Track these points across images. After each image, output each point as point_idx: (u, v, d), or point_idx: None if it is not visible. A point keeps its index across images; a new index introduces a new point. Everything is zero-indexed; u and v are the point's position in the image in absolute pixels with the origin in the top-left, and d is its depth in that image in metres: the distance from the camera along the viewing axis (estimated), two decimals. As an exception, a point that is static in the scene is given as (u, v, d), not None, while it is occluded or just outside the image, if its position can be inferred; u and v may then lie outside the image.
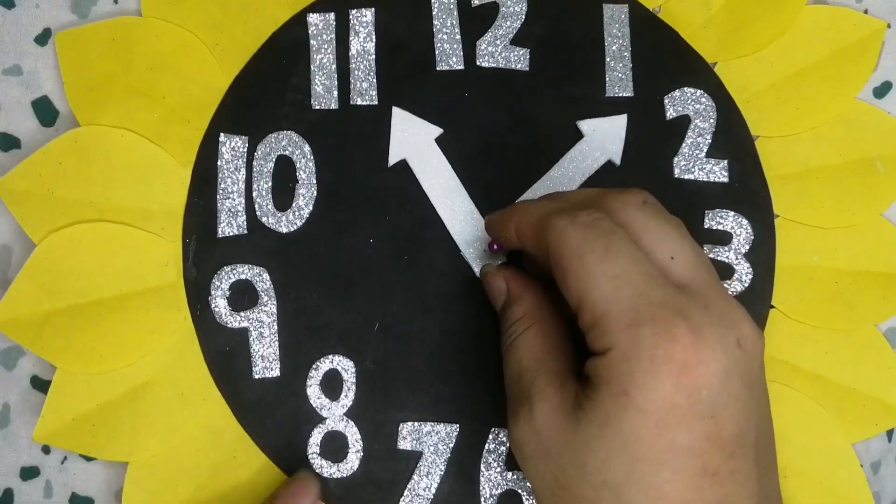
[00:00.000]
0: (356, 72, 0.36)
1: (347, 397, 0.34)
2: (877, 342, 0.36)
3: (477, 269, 0.35)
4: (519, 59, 0.36)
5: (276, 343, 0.34)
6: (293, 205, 0.35)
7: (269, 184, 0.35)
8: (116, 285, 0.33)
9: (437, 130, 0.36)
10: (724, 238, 0.36)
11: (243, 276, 0.34)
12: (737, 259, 0.36)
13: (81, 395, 0.33)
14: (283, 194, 0.35)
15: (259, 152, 0.35)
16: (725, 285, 0.36)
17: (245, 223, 0.34)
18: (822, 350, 0.36)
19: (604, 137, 0.36)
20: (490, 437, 0.34)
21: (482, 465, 0.34)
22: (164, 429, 0.33)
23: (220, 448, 0.33)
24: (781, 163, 0.37)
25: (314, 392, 0.34)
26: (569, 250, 0.27)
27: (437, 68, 0.36)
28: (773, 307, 0.36)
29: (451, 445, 0.34)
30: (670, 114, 0.36)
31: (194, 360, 0.34)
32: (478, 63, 0.36)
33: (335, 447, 0.34)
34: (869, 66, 0.37)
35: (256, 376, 0.34)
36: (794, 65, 0.37)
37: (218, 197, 0.34)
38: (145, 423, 0.33)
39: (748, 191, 0.36)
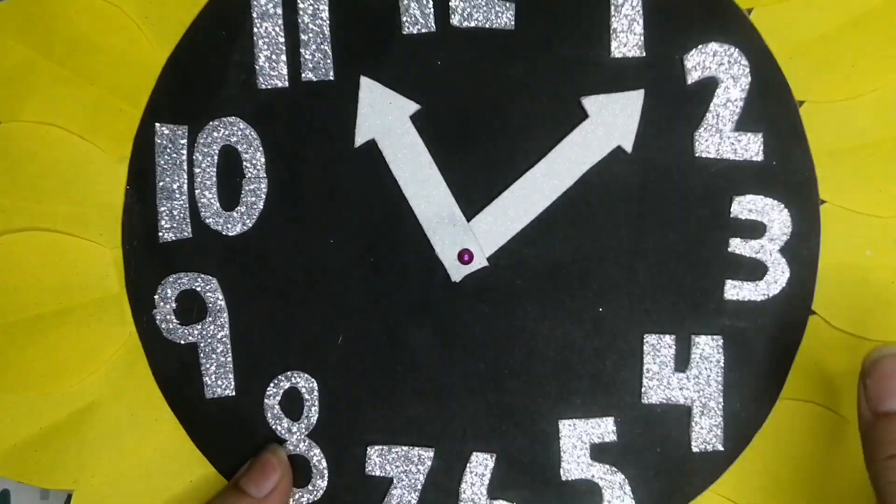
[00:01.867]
0: (307, 41, 0.31)
1: (310, 417, 0.31)
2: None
3: (454, 274, 0.31)
4: (502, 16, 0.30)
5: (230, 359, 0.31)
6: (241, 203, 0.31)
7: (214, 179, 0.31)
8: (54, 299, 0.31)
9: (413, 106, 0.31)
10: (755, 229, 0.30)
11: (190, 286, 0.31)
12: (771, 255, 0.30)
13: (22, 420, 0.31)
14: (230, 191, 0.31)
15: (200, 143, 0.31)
16: (756, 286, 0.30)
17: (189, 226, 0.31)
18: (869, 365, 0.31)
19: (613, 118, 0.30)
20: (472, 461, 0.31)
21: (462, 493, 0.31)
22: (113, 453, 0.31)
23: (174, 472, 0.31)
24: (832, 136, 0.30)
25: (273, 412, 0.31)
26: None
27: (404, 32, 0.30)
28: (813, 312, 0.31)
29: (426, 471, 0.31)
30: (692, 77, 0.30)
31: (143, 377, 0.31)
32: (452, 23, 0.30)
33: (298, 472, 0.31)
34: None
35: (210, 395, 0.31)
36: (848, 11, 0.30)
37: (157, 197, 0.31)
38: (92, 447, 0.31)
39: (788, 171, 0.30)
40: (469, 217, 0.31)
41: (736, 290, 0.30)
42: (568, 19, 0.30)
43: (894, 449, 0.24)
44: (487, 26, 0.30)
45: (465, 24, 0.30)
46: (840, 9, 0.30)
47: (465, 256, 0.29)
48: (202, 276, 0.31)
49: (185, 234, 0.31)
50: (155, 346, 0.31)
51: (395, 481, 0.31)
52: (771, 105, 0.30)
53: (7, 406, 0.31)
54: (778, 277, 0.30)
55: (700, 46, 0.30)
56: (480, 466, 0.31)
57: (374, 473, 0.31)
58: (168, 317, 0.31)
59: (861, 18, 0.30)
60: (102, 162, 0.31)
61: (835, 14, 0.30)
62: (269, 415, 0.31)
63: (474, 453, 0.31)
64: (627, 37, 0.30)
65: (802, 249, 0.30)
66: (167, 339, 0.31)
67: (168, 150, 0.31)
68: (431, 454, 0.31)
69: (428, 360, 0.31)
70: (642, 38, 0.30)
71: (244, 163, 0.31)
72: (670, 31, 0.30)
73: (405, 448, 0.31)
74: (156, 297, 0.31)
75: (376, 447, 0.31)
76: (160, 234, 0.31)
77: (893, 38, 0.30)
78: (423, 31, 0.30)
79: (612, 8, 0.30)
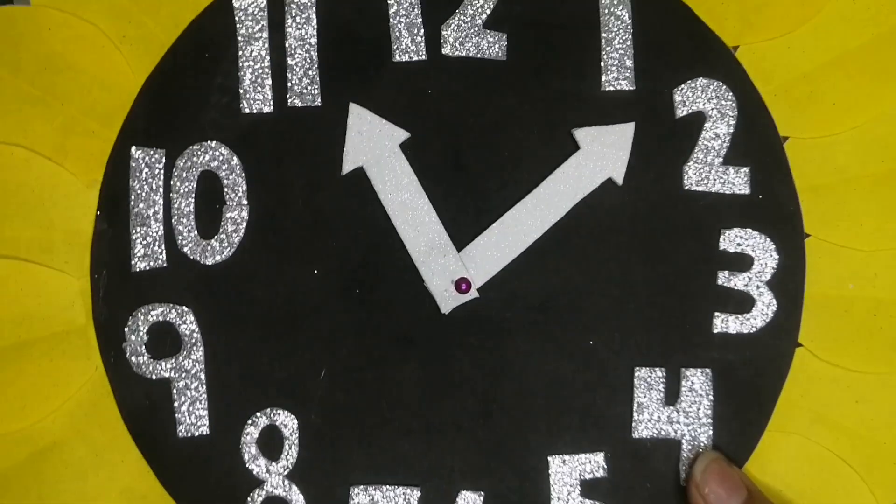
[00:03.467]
0: (294, 66, 0.30)
1: (289, 457, 0.30)
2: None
3: (443, 305, 0.31)
4: (494, 46, 0.31)
5: (205, 395, 0.30)
6: (221, 231, 0.30)
7: (192, 206, 0.30)
8: (14, 332, 0.29)
9: (402, 134, 0.31)
10: (742, 263, 0.31)
11: (163, 318, 0.30)
12: (758, 288, 0.31)
13: (-23, 462, 0.30)
14: (209, 218, 0.30)
15: (178, 168, 0.30)
16: (743, 319, 0.31)
17: (164, 254, 0.30)
18: (852, 398, 0.31)
19: (604, 151, 0.31)
20: (459, 501, 0.30)
21: (449, 534, 0.31)
22: (76, 496, 0.30)
23: (142, 518, 0.30)
24: (814, 171, 0.31)
25: (250, 451, 0.30)
26: None
27: (395, 59, 0.30)
28: (799, 345, 0.31)
29: (412, 512, 0.31)
30: (681, 111, 0.31)
31: (109, 415, 0.30)
32: (444, 52, 0.31)
33: (276, 515, 0.31)
34: (916, 55, 0.32)
35: (182, 434, 0.30)
36: (829, 51, 0.31)
37: (131, 223, 0.30)
38: (54, 489, 0.29)
39: (774, 205, 0.31)
40: (459, 247, 0.31)
41: (724, 323, 0.31)
42: (559, 52, 0.31)
43: None
44: (479, 56, 0.31)
45: (457, 53, 0.31)
46: (820, 50, 0.31)
47: (462, 286, 0.29)
48: (177, 307, 0.30)
49: (160, 262, 0.30)
50: (123, 381, 0.30)
51: (379, 523, 0.31)
52: (757, 140, 0.31)
53: (-39, 447, 0.29)
54: (765, 310, 0.31)
55: (689, 81, 0.31)
56: (468, 506, 0.31)
57: (356, 515, 0.31)
58: (139, 350, 0.30)
59: (839, 59, 0.31)
60: (71, 186, 0.30)
61: (815, 54, 0.31)
62: (245, 454, 0.30)
63: (462, 492, 0.30)
64: (618, 70, 0.31)
65: (789, 282, 0.31)
66: (137, 375, 0.30)
67: (143, 175, 0.30)
68: (418, 494, 0.30)
69: (415, 395, 0.30)
70: (632, 71, 0.31)
71: (225, 189, 0.30)
72: (660, 65, 0.31)
73: (390, 487, 0.30)
74: (126, 329, 0.30)
75: (359, 487, 0.30)
76: (133, 262, 0.30)
77: (870, 79, 0.31)
78: (414, 58, 0.31)
79: (604, 42, 0.31)
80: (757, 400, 0.31)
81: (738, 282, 0.31)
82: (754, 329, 0.31)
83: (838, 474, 0.31)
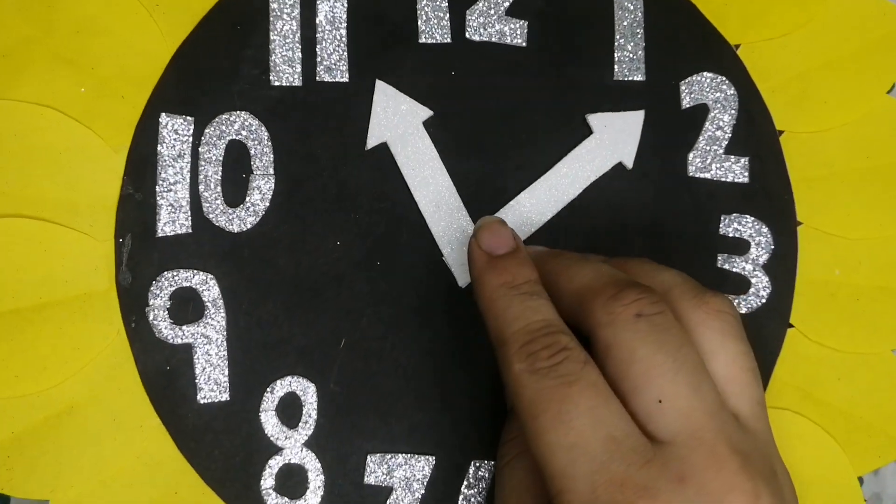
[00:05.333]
0: (324, 42, 0.32)
1: (308, 425, 0.31)
2: (891, 369, 0.34)
3: (460, 279, 0.32)
4: (515, 33, 0.33)
5: (225, 362, 0.31)
6: (247, 199, 0.31)
7: (219, 174, 0.31)
8: (35, 293, 0.29)
9: (426, 112, 0.32)
10: (740, 247, 0.33)
11: (187, 284, 0.31)
12: (754, 270, 0.33)
13: (-7, 424, 0.29)
14: (236, 187, 0.31)
15: (207, 136, 0.31)
16: (740, 300, 0.34)
17: (189, 220, 0.31)
18: (835, 376, 0.34)
19: (616, 136, 0.33)
20: (470, 470, 0.32)
21: (461, 502, 0.32)
22: (92, 461, 0.30)
23: (158, 483, 0.30)
24: (807, 163, 0.34)
25: (269, 419, 0.31)
26: (523, 410, 0.24)
27: (420, 41, 0.32)
28: (791, 326, 0.34)
29: (426, 480, 0.31)
30: (686, 102, 0.33)
31: (129, 380, 0.30)
32: (467, 36, 0.32)
33: (293, 482, 0.31)
34: (899, 60, 0.35)
35: (202, 400, 0.30)
36: (822, 54, 0.34)
37: (157, 189, 0.30)
38: (70, 454, 0.29)
39: (770, 194, 0.34)
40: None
41: (723, 303, 0.33)
42: (576, 41, 0.33)
43: (508, 276, 0.27)
44: (500, 41, 0.33)
45: (479, 38, 0.32)
46: (813, 52, 0.34)
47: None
48: (200, 273, 0.31)
49: (185, 228, 0.31)
50: (144, 346, 0.30)
51: (394, 490, 0.31)
52: (755, 132, 0.34)
53: (-24, 408, 0.29)
54: (760, 292, 0.34)
55: (695, 75, 0.33)
56: (480, 476, 0.32)
57: (372, 482, 0.31)
58: (161, 315, 0.30)
59: (831, 62, 0.34)
60: (99, 149, 0.30)
61: (809, 56, 0.34)
62: (264, 421, 0.31)
63: (475, 461, 0.32)
64: (629, 62, 0.33)
65: (782, 267, 0.34)
66: (158, 340, 0.30)
67: (172, 142, 0.31)
68: (433, 462, 0.32)
69: (431, 366, 0.32)
70: (643, 63, 0.33)
71: (252, 158, 0.31)
72: (668, 59, 0.33)
73: (405, 456, 0.31)
74: (149, 293, 0.30)
75: (376, 455, 0.31)
76: (158, 227, 0.30)
77: (858, 82, 0.34)
78: (439, 41, 0.32)
79: (617, 35, 0.33)
80: (751, 377, 0.34)
81: (735, 265, 0.34)
82: (750, 310, 0.33)
83: (822, 446, 0.34)
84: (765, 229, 0.34)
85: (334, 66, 0.32)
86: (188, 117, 0.31)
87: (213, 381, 0.31)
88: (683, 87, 0.33)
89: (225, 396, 0.31)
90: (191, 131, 0.31)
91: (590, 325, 0.25)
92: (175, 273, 0.31)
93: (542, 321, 0.25)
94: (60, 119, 0.30)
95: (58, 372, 0.30)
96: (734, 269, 0.33)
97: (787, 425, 0.33)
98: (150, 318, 0.30)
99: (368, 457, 0.31)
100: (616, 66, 0.33)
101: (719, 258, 0.33)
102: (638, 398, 0.24)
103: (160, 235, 0.30)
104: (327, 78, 0.32)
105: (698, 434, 0.23)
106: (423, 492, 0.31)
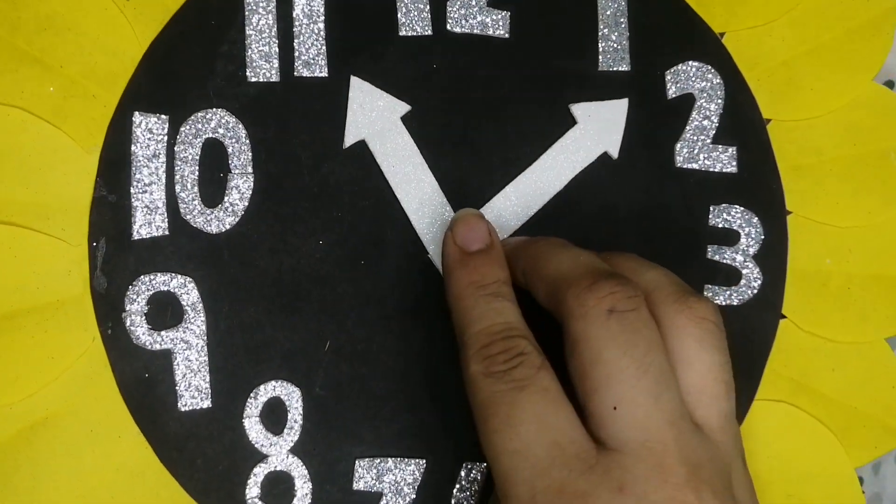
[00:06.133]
0: (302, 37, 0.31)
1: (293, 431, 0.30)
2: (885, 358, 0.34)
3: (447, 277, 0.32)
4: (497, 24, 0.32)
5: (207, 368, 0.30)
6: (225, 199, 0.30)
7: (196, 174, 0.30)
8: (6, 301, 0.28)
9: (403, 107, 0.31)
10: (730, 237, 0.33)
11: (165, 287, 0.30)
12: (745, 261, 0.33)
13: (-36, 438, 0.28)
14: (213, 187, 0.30)
15: (182, 135, 0.30)
16: (732, 291, 0.33)
17: (166, 222, 0.30)
18: (829, 366, 0.34)
19: (600, 125, 0.32)
20: (462, 472, 0.31)
21: (453, 505, 0.31)
22: (69, 475, 0.28)
23: (139, 495, 0.29)
24: (795, 152, 0.34)
25: (253, 425, 0.30)
26: (476, 412, 0.25)
27: (401, 34, 0.31)
28: (783, 316, 0.34)
29: (417, 484, 0.31)
30: (672, 92, 0.33)
31: (106, 389, 0.29)
32: (449, 28, 0.32)
33: (279, 490, 0.30)
34: (884, 47, 0.35)
35: (183, 408, 0.29)
36: (806, 41, 0.34)
37: (132, 190, 0.29)
38: (47, 467, 0.28)
39: (758, 183, 0.33)
40: (462, 220, 0.32)
41: (715, 295, 0.33)
42: (559, 32, 0.32)
43: (477, 276, 0.27)
44: (482, 33, 0.32)
45: (461, 29, 0.32)
46: (798, 39, 0.34)
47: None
48: (178, 276, 0.30)
49: (162, 230, 0.30)
50: (121, 353, 0.29)
51: (384, 495, 0.31)
52: (742, 121, 0.33)
53: (-54, 422, 0.28)
54: (752, 283, 0.33)
55: (680, 64, 0.33)
56: (472, 478, 0.31)
57: (361, 488, 0.30)
58: (139, 321, 0.30)
59: (815, 49, 0.34)
60: (70, 150, 0.29)
61: (794, 43, 0.34)
62: (248, 428, 0.30)
63: (467, 465, 0.31)
64: (614, 52, 0.33)
65: (773, 257, 0.33)
66: (136, 346, 0.29)
67: (146, 142, 0.30)
68: (423, 466, 0.31)
69: (420, 367, 0.31)
70: (628, 53, 0.33)
71: (229, 157, 0.30)
72: (653, 48, 0.33)
73: (395, 460, 0.31)
74: (126, 299, 0.29)
75: (364, 460, 0.30)
76: (133, 229, 0.29)
77: (843, 68, 0.34)
78: (420, 34, 0.32)
79: (601, 24, 0.32)
80: (745, 370, 0.33)
81: (725, 256, 0.33)
82: (742, 301, 0.33)
83: (818, 438, 0.33)
84: (754, 219, 0.33)
85: (312, 60, 0.31)
86: (162, 116, 0.30)
87: (194, 388, 0.30)
88: (669, 77, 0.33)
89: (207, 403, 0.30)
90: (165, 130, 0.30)
91: (562, 313, 0.25)
92: (152, 277, 0.30)
93: (503, 324, 0.26)
94: (29, 120, 0.29)
95: (31, 382, 0.28)
96: (724, 261, 0.33)
97: (783, 417, 0.33)
98: (127, 323, 0.29)
99: (357, 462, 0.30)
100: (601, 57, 0.32)
101: (709, 250, 0.33)
102: (595, 401, 0.24)
103: (136, 238, 0.30)
104: (306, 73, 0.31)
105: (648, 444, 0.23)
106: (413, 496, 0.31)
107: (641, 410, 0.23)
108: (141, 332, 0.29)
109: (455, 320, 0.27)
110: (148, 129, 0.30)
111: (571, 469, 0.23)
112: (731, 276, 0.33)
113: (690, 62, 0.33)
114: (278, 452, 0.30)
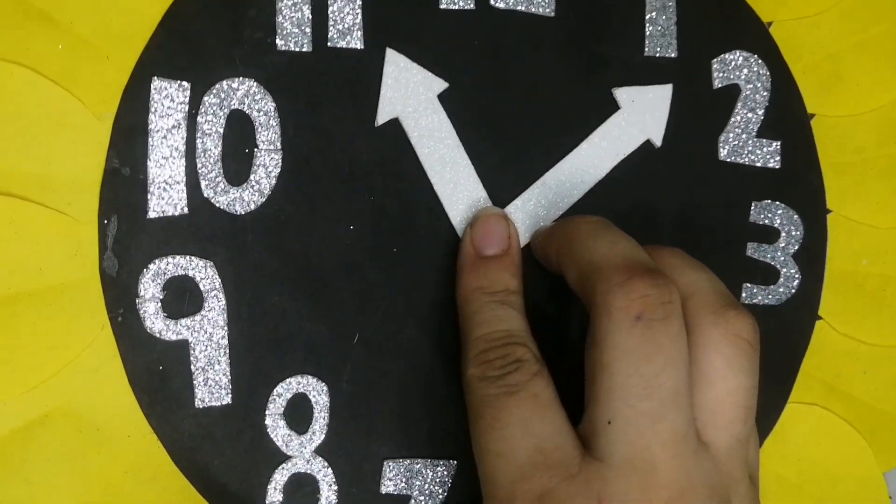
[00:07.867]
0: (337, 4, 0.28)
1: (318, 430, 0.28)
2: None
3: (484, 268, 0.30)
4: (543, 1, 0.31)
5: (226, 360, 0.27)
6: (251, 177, 0.28)
7: (219, 148, 0.27)
8: (4, 283, 0.25)
9: (440, 84, 0.29)
10: (770, 235, 0.32)
11: (182, 272, 0.27)
12: (784, 260, 0.32)
13: (-44, 436, 0.25)
14: (238, 163, 0.28)
15: (206, 105, 0.27)
16: (770, 291, 0.32)
17: (185, 200, 0.27)
18: (860, 369, 0.33)
19: (644, 111, 0.31)
20: (494, 475, 0.30)
21: (484, 510, 0.30)
22: (73, 478, 0.26)
23: (150, 500, 0.27)
24: (836, 149, 0.33)
25: (276, 424, 0.28)
26: (469, 413, 0.25)
27: (442, 6, 0.29)
28: (819, 318, 0.33)
29: (447, 487, 0.29)
30: (718, 82, 0.32)
31: (115, 383, 0.26)
32: (492, 2, 0.30)
33: (303, 493, 0.28)
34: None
35: (200, 405, 0.27)
36: (854, 34, 0.33)
37: (148, 163, 0.27)
38: (45, 470, 0.26)
39: (801, 180, 0.32)
40: (498, 206, 0.30)
41: (752, 294, 0.32)
42: (606, 12, 0.31)
43: (486, 281, 0.27)
44: (526, 10, 0.30)
45: (505, 5, 0.30)
46: (846, 31, 0.33)
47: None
48: (197, 259, 0.27)
49: (180, 209, 0.27)
50: (134, 343, 0.27)
51: (412, 499, 0.29)
52: (787, 115, 0.32)
53: (-65, 418, 0.25)
54: (790, 282, 0.32)
55: (727, 53, 0.32)
56: (504, 481, 0.30)
57: (389, 491, 0.28)
58: (153, 308, 0.27)
59: (863, 42, 0.33)
60: (80, 116, 0.26)
61: (841, 35, 0.33)
62: (270, 427, 0.28)
63: (499, 466, 0.30)
64: (661, 37, 0.31)
65: (812, 256, 0.32)
66: (150, 336, 0.27)
67: (165, 110, 0.27)
68: (454, 467, 0.29)
69: (452, 363, 0.29)
70: (675, 39, 0.31)
71: (256, 132, 0.28)
72: (700, 36, 0.31)
73: (425, 462, 0.29)
74: (139, 283, 0.27)
75: (393, 461, 0.29)
76: (149, 207, 0.27)
77: (890, 63, 0.33)
78: (462, 7, 0.29)
79: (648, 8, 0.31)
80: (779, 372, 0.32)
81: (765, 253, 0.32)
82: (780, 301, 0.32)
83: (848, 441, 0.33)
84: (796, 217, 0.32)
85: (348, 30, 0.28)
86: (184, 83, 0.27)
87: (212, 383, 0.27)
88: (715, 66, 0.31)
89: (226, 399, 0.27)
90: (187, 99, 0.27)
91: (590, 304, 0.24)
92: (169, 260, 0.27)
93: (503, 331, 0.26)
94: (34, 79, 0.26)
95: (31, 375, 0.26)
96: (764, 259, 0.32)
97: (815, 421, 0.32)
98: (140, 311, 0.27)
99: (385, 463, 0.29)
100: (647, 42, 0.31)
101: (749, 247, 0.32)
102: (592, 410, 0.24)
103: (151, 216, 0.27)
104: (340, 43, 0.28)
105: (634, 461, 0.23)
106: (443, 499, 0.29)
107: (634, 430, 0.23)
108: (155, 320, 0.27)
109: (460, 322, 0.28)
110: (168, 97, 0.27)
111: (552, 475, 0.23)
112: (769, 275, 0.32)
113: (738, 51, 0.32)
114: (302, 453, 0.28)
